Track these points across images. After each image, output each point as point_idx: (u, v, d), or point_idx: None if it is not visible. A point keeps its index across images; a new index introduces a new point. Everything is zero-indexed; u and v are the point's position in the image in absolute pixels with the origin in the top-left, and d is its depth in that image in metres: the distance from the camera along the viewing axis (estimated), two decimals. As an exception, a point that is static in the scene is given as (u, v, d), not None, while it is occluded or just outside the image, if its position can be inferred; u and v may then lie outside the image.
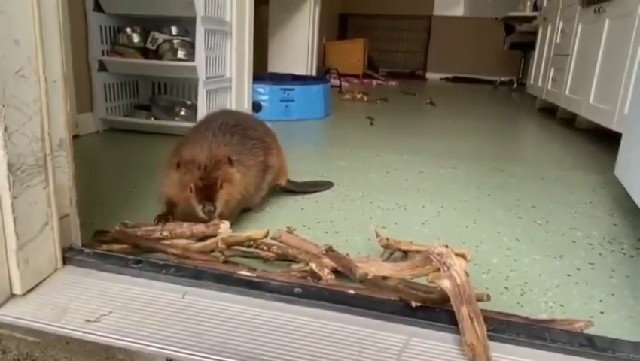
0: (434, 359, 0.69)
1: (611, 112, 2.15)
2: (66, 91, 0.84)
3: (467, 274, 0.74)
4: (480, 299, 0.75)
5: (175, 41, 2.28)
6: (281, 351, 0.69)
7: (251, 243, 0.99)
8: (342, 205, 1.40)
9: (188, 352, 0.68)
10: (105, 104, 2.25)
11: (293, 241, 0.98)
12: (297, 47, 4.40)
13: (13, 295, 0.78)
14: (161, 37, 2.29)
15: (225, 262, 0.96)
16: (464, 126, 3.05)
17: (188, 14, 2.05)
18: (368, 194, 1.51)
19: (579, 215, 1.42)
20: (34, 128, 0.77)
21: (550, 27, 3.79)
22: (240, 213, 1.23)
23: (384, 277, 0.78)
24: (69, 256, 0.88)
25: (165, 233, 1.02)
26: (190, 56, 2.20)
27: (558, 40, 3.48)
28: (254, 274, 0.86)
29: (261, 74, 3.34)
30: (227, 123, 1.19)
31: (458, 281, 0.72)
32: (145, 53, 2.30)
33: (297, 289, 0.81)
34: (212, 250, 0.99)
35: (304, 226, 1.23)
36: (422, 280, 0.81)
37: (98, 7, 2.15)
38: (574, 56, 3.01)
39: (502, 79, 6.44)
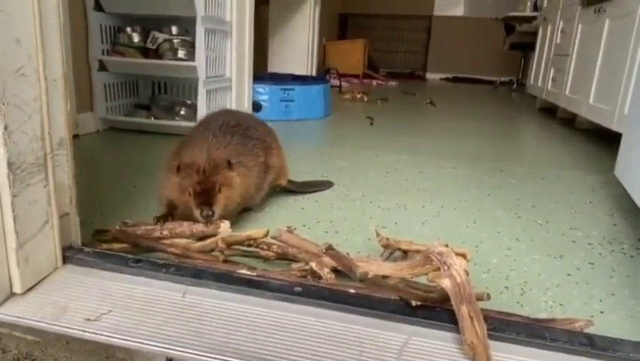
0: (434, 358, 0.69)
1: (610, 112, 2.16)
2: (66, 90, 0.84)
3: (467, 274, 0.74)
4: (480, 299, 0.75)
5: (175, 41, 2.28)
6: (282, 350, 0.69)
7: (251, 242, 0.99)
8: (342, 205, 1.40)
9: (188, 351, 0.68)
10: (105, 103, 2.25)
11: (293, 240, 0.98)
12: (297, 47, 4.40)
13: (13, 294, 0.78)
14: (161, 36, 2.29)
15: (225, 261, 0.96)
16: (464, 126, 3.05)
17: (188, 14, 2.05)
18: (368, 194, 1.51)
19: (579, 215, 1.42)
20: (34, 126, 0.77)
21: (550, 27, 3.79)
22: (240, 212, 1.23)
23: (384, 277, 0.78)
24: (69, 254, 0.88)
25: (165, 232, 1.02)
26: (191, 55, 2.20)
27: (558, 41, 3.49)
28: (255, 274, 0.86)
29: (261, 73, 3.34)
30: (228, 124, 1.19)
31: (459, 280, 0.72)
32: (145, 52, 2.30)
33: (298, 289, 0.81)
34: (212, 250, 0.99)
35: (304, 225, 1.23)
36: (422, 280, 0.81)
37: (98, 7, 2.15)
38: (574, 56, 3.01)
39: (502, 79, 6.44)
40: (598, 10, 2.53)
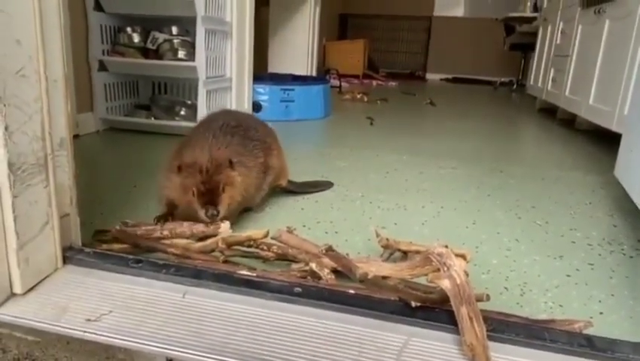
0: (433, 359, 0.69)
1: (610, 113, 2.16)
2: (67, 90, 0.84)
3: (466, 275, 0.75)
4: (479, 299, 0.75)
5: (175, 41, 2.28)
6: (282, 351, 0.69)
7: (251, 243, 0.99)
8: (342, 205, 1.40)
9: (189, 351, 0.68)
10: (105, 103, 2.25)
11: (293, 240, 0.98)
12: (297, 48, 4.40)
13: (13, 295, 0.78)
14: (161, 37, 2.29)
15: (225, 261, 0.97)
16: (464, 127, 3.05)
17: (189, 14, 2.06)
18: (368, 194, 1.52)
19: (579, 216, 1.42)
20: (34, 127, 0.77)
21: (550, 28, 3.79)
22: (240, 213, 1.23)
23: (384, 277, 0.78)
24: (69, 255, 0.89)
25: (165, 233, 1.02)
26: (191, 55, 2.20)
27: (558, 41, 3.49)
28: (254, 274, 0.86)
29: (261, 74, 3.34)
30: (228, 124, 1.19)
31: (458, 281, 0.72)
32: (146, 52, 2.30)
33: (297, 289, 0.81)
34: (212, 250, 0.99)
35: (304, 226, 1.23)
36: (422, 280, 0.81)
37: (98, 7, 2.16)
38: (574, 57, 3.01)
39: (502, 80, 6.44)
40: (598, 11, 2.53)
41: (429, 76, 7.48)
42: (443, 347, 0.71)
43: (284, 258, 0.98)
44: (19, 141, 0.74)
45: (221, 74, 2.29)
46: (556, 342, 0.71)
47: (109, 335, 0.70)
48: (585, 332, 0.76)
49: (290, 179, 1.45)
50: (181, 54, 2.25)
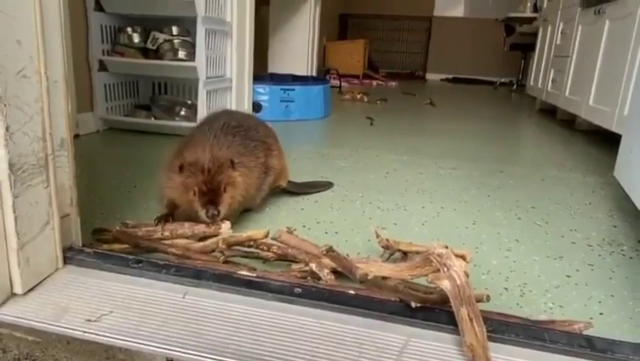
0: (433, 359, 0.69)
1: (610, 113, 2.16)
2: (67, 91, 0.84)
3: (466, 275, 0.75)
4: (479, 300, 0.75)
5: (175, 41, 2.28)
6: (282, 351, 0.69)
7: (252, 243, 0.99)
8: (342, 206, 1.41)
9: (189, 352, 0.68)
10: (106, 103, 2.25)
11: (293, 241, 0.98)
12: (298, 48, 4.40)
13: (13, 295, 0.78)
14: (162, 37, 2.29)
15: (225, 262, 0.97)
16: (464, 127, 3.05)
17: (189, 14, 2.06)
18: (368, 195, 1.52)
19: (578, 216, 1.43)
20: (35, 127, 0.77)
21: (550, 28, 3.80)
22: (241, 213, 1.23)
23: (384, 278, 0.78)
24: (70, 255, 0.89)
25: (166, 233, 1.02)
26: (191, 56, 2.20)
27: (558, 42, 3.49)
28: (255, 274, 0.86)
29: (261, 74, 3.34)
30: (229, 124, 1.19)
31: (458, 282, 0.72)
32: (146, 52, 2.30)
33: (298, 290, 0.81)
34: (213, 250, 0.99)
35: (304, 226, 1.23)
36: (422, 281, 0.81)
37: (99, 7, 2.16)
38: (574, 58, 3.01)
39: (502, 80, 6.45)
40: (598, 12, 2.54)
41: (429, 76, 7.49)
42: (443, 347, 0.71)
43: (284, 258, 0.98)
44: (20, 142, 0.74)
45: (221, 74, 2.29)
46: (556, 343, 0.71)
47: (109, 335, 0.71)
48: (585, 332, 0.76)
49: (290, 179, 1.45)
50: (181, 54, 2.25)
